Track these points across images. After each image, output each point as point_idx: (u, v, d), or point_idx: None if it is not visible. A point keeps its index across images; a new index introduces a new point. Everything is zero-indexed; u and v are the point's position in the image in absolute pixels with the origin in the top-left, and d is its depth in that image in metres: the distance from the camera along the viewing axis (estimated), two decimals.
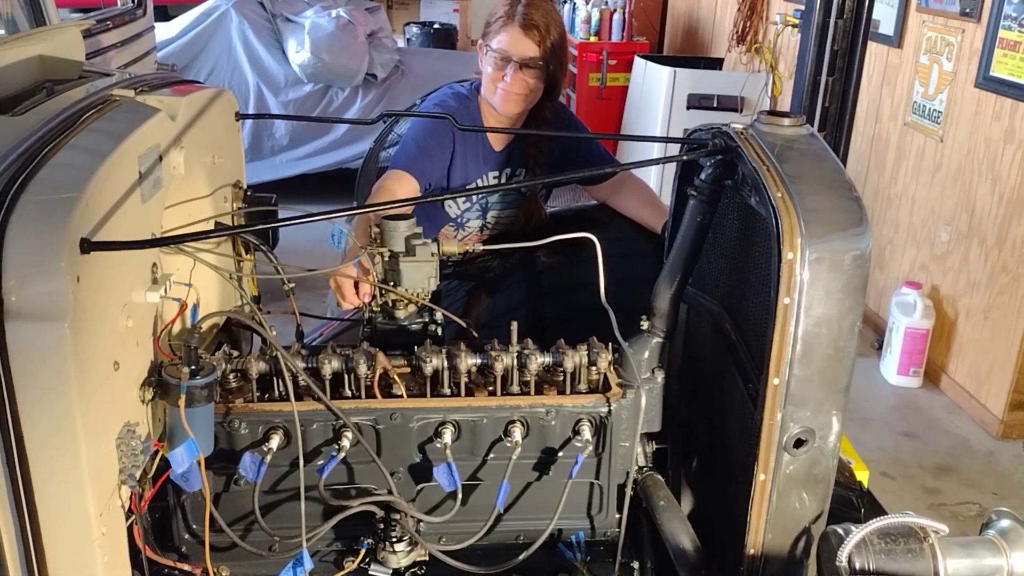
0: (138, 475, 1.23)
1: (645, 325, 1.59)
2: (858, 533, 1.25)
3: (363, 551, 1.56)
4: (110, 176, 1.19)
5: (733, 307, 1.60)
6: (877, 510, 1.83)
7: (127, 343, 1.24)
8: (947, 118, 4.16)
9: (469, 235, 2.51)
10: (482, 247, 1.72)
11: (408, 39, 8.92)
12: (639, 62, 6.70)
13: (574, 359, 1.52)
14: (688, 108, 6.06)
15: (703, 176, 1.56)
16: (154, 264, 1.33)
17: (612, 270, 1.54)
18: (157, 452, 1.31)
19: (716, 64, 6.77)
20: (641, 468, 1.65)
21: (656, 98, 6.22)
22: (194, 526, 1.53)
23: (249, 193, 1.81)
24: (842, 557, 1.24)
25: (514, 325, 1.53)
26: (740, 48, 6.53)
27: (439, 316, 1.68)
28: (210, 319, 1.52)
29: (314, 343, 1.92)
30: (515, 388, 1.53)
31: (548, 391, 1.54)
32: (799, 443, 1.36)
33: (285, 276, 1.71)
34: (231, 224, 1.74)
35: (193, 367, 1.29)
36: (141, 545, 1.34)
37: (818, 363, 1.32)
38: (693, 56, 7.17)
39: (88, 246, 1.08)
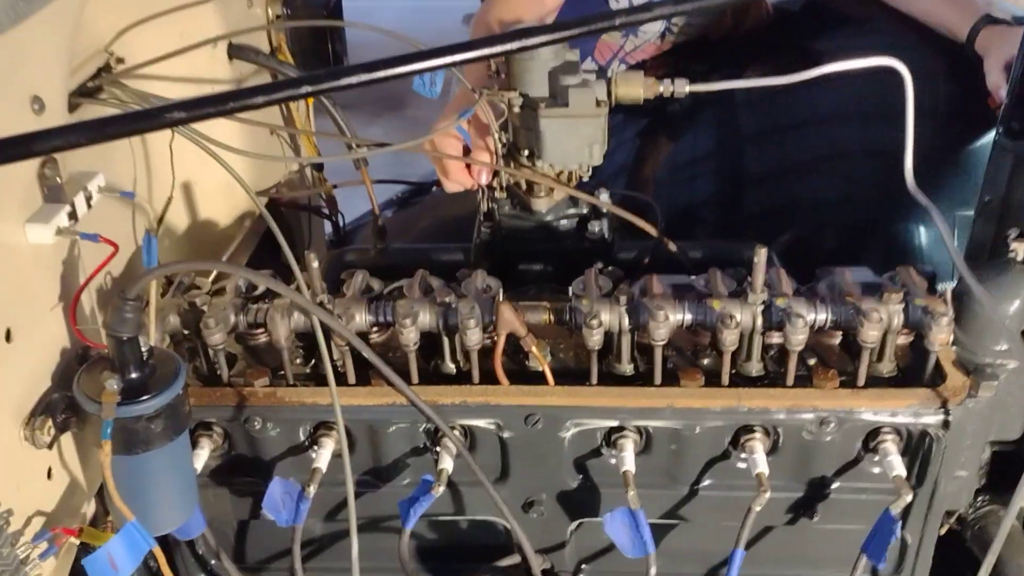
0: None
1: (1017, 248, 0.81)
2: None
3: None
4: None
5: None
6: None
7: None
8: None
9: (643, 45, 1.72)
10: (689, 87, 0.95)
11: None
12: None
13: (880, 318, 0.78)
14: None
15: None
16: (46, 161, 0.66)
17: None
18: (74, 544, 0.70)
19: None
20: (976, 496, 0.92)
21: None
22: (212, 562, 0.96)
23: None
24: None
25: (761, 252, 0.79)
26: None
27: (607, 212, 0.97)
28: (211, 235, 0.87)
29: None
30: (752, 369, 0.82)
31: (823, 379, 0.81)
32: None
33: (353, 142, 1.04)
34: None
35: (131, 374, 0.65)
36: None
37: None
38: None
39: None
